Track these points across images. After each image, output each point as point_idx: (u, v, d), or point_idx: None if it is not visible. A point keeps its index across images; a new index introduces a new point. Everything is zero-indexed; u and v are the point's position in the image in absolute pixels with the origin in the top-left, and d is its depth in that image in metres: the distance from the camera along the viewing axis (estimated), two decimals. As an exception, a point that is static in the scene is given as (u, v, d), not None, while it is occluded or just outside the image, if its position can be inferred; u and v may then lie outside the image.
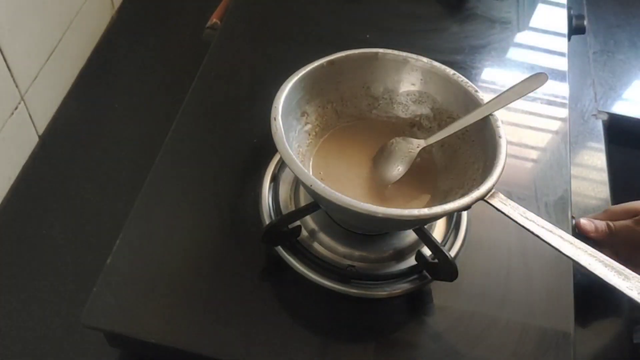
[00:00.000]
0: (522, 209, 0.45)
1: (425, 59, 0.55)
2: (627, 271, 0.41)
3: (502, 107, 0.50)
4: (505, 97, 0.51)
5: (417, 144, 0.54)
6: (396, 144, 0.54)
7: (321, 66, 0.53)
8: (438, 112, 0.56)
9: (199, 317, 0.50)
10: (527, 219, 0.45)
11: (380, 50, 0.55)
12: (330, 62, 0.53)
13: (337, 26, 0.76)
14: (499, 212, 0.45)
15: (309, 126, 0.54)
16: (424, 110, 0.56)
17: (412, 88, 0.56)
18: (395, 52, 0.55)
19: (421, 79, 0.55)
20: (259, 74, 0.68)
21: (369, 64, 0.55)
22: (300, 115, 0.53)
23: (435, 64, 0.54)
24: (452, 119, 0.54)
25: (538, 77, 0.52)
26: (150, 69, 0.80)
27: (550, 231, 0.44)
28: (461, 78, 0.53)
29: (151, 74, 0.79)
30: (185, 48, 0.82)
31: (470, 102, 0.52)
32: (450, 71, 0.54)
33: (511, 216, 0.45)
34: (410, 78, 0.56)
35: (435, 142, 0.54)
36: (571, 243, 0.43)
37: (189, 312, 0.50)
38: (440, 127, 0.55)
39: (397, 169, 0.53)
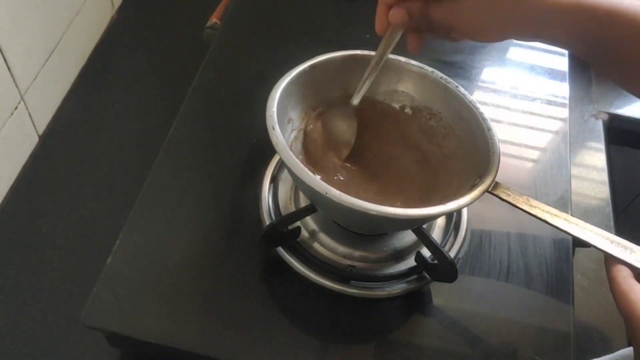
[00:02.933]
0: (525, 197, 0.46)
1: (402, 58, 0.55)
2: (632, 245, 0.43)
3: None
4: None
5: (352, 108, 0.53)
6: (331, 114, 0.54)
7: (304, 71, 0.52)
8: (417, 110, 0.56)
9: (198, 317, 0.50)
10: (531, 205, 0.45)
11: (359, 51, 0.54)
12: (312, 66, 0.53)
13: (337, 26, 0.76)
14: (501, 210, 0.46)
15: (294, 133, 0.54)
16: (404, 108, 0.57)
17: (391, 87, 0.56)
18: (373, 52, 0.55)
19: (399, 79, 0.55)
20: (259, 74, 0.68)
21: (348, 66, 0.55)
22: (287, 122, 0.53)
23: (413, 63, 0.54)
24: (432, 114, 0.55)
25: None
26: (150, 69, 0.80)
27: (556, 215, 0.45)
28: (440, 75, 0.54)
29: (151, 74, 0.79)
30: (185, 48, 0.82)
31: (452, 97, 0.53)
32: (428, 69, 0.54)
33: (517, 204, 0.45)
34: (388, 78, 0.56)
35: (420, 140, 0.55)
36: (576, 224, 0.45)
37: (189, 312, 0.50)
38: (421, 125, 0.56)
39: (346, 140, 0.54)
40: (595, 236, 0.43)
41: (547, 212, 0.45)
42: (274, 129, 0.46)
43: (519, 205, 0.46)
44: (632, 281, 0.41)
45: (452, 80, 0.53)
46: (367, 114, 0.56)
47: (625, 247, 0.43)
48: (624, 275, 0.42)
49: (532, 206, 0.46)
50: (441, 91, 0.54)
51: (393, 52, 0.54)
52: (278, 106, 0.49)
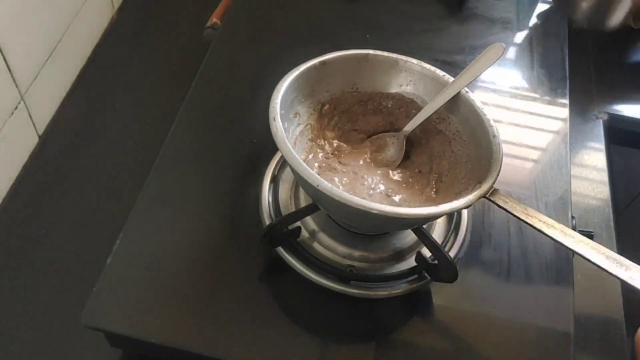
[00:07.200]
0: (522, 206, 0.46)
1: (415, 61, 0.55)
2: (627, 262, 0.42)
3: (467, 84, 0.52)
4: (469, 74, 0.52)
5: (403, 135, 0.55)
6: (383, 137, 0.56)
7: (314, 66, 0.52)
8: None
9: (199, 317, 0.50)
10: (528, 215, 0.45)
11: (371, 51, 0.55)
12: (323, 63, 0.53)
13: (337, 26, 0.76)
14: (501, 210, 0.46)
15: (301, 127, 0.54)
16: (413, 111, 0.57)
17: (402, 89, 0.56)
18: (386, 53, 0.55)
19: (411, 80, 0.55)
20: (259, 74, 0.68)
21: (359, 65, 0.55)
22: (293, 116, 0.53)
23: (425, 66, 0.54)
24: (442, 119, 0.54)
25: (494, 48, 0.53)
26: (150, 68, 0.80)
27: (552, 226, 0.44)
28: (451, 79, 0.53)
29: (151, 74, 0.79)
30: (185, 48, 0.82)
31: (461, 102, 0.53)
32: (440, 72, 0.54)
33: (514, 212, 0.45)
34: (399, 79, 0.56)
35: (428, 143, 0.55)
36: (572, 237, 0.44)
37: (189, 312, 0.50)
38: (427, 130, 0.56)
39: (392, 160, 0.55)
40: (591, 250, 0.43)
41: (544, 222, 0.45)
42: (274, 119, 0.46)
43: (515, 213, 0.45)
44: None
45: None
46: (377, 116, 0.57)
47: (621, 264, 0.42)
48: None
49: (530, 215, 0.45)
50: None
51: (404, 54, 0.55)
52: (285, 99, 0.49)
